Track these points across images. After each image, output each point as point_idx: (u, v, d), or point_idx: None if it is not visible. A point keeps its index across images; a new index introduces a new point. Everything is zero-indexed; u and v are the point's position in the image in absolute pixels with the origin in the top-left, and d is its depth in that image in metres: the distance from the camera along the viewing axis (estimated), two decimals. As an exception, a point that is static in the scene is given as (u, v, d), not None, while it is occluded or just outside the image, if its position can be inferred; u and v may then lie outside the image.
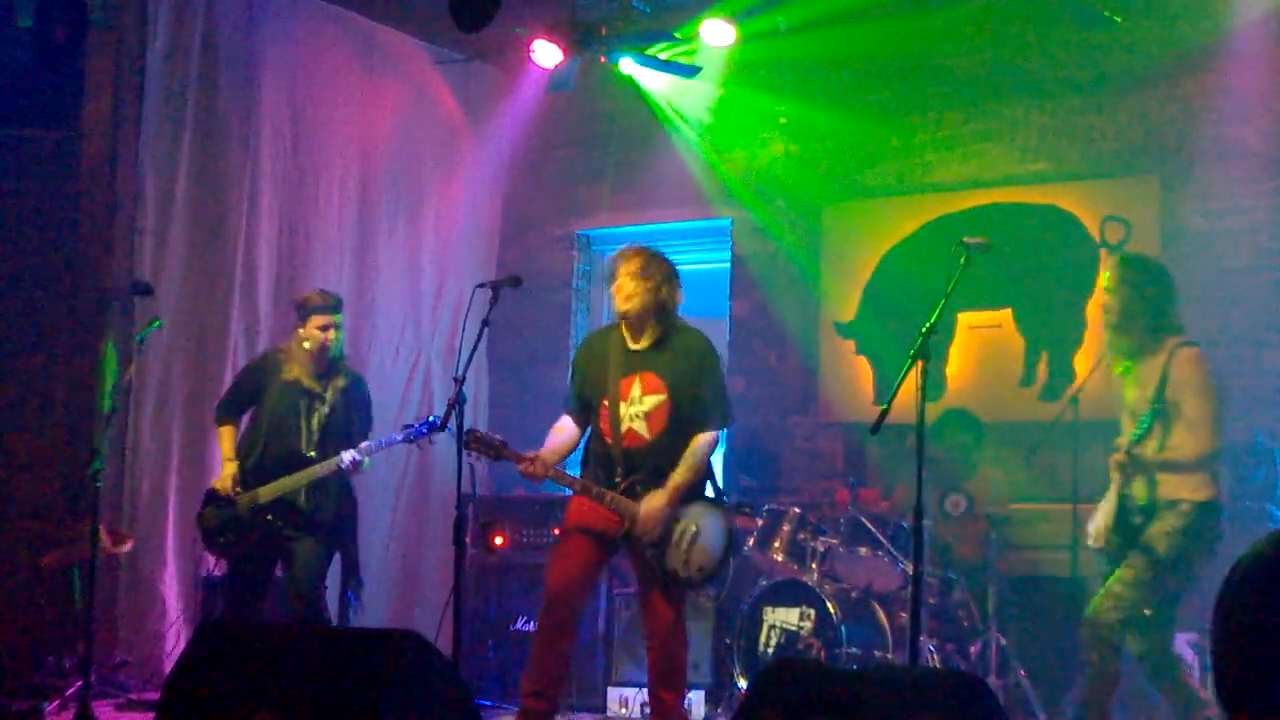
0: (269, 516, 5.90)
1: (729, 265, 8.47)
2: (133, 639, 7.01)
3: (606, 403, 5.30)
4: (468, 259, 8.62)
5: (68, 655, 6.46)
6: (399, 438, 6.00)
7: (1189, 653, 5.77)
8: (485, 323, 5.23)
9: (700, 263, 8.54)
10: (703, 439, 5.27)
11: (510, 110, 8.50)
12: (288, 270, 7.57)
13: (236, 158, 7.38)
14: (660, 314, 5.31)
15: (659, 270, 5.31)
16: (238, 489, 5.94)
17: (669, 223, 8.58)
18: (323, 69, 7.85)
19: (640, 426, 5.26)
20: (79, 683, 5.82)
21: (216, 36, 7.33)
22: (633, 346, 5.34)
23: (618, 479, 5.24)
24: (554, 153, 8.73)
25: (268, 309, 7.45)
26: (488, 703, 6.59)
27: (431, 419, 5.99)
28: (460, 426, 5.04)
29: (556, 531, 6.10)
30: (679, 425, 5.25)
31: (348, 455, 5.89)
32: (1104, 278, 5.45)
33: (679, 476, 5.21)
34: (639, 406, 5.27)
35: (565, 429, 5.44)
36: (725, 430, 5.59)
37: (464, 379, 5.05)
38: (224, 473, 6.01)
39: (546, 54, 7.74)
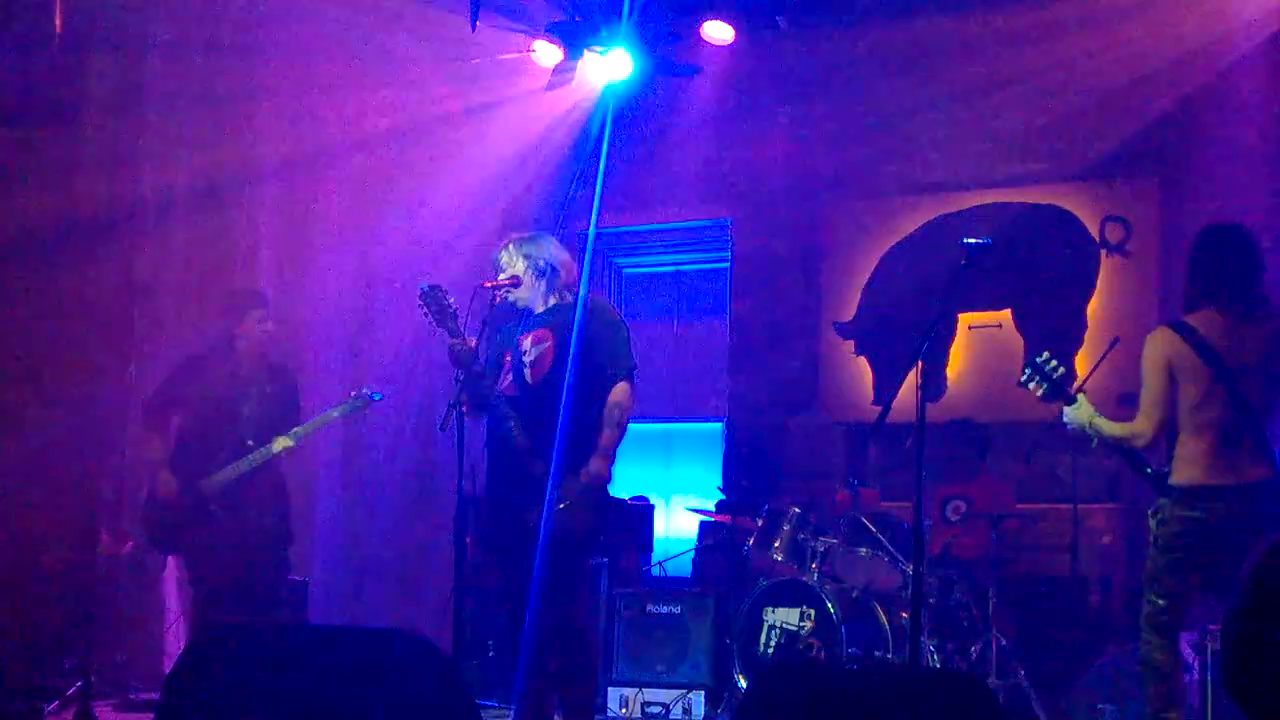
0: (211, 507, 5.93)
1: (729, 265, 8.46)
2: (133, 639, 7.01)
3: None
4: (468, 259, 8.61)
5: (68, 655, 6.46)
6: (335, 414, 6.09)
7: (1188, 653, 5.75)
8: (485, 323, 5.23)
9: (700, 263, 8.54)
10: None
11: (510, 109, 8.49)
12: (288, 270, 7.57)
13: (237, 157, 7.38)
14: None
15: None
16: (180, 489, 5.96)
17: (669, 223, 8.57)
18: (323, 69, 7.84)
19: None
20: (79, 683, 5.82)
21: (217, 35, 7.33)
22: None
23: None
24: (553, 152, 8.71)
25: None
26: (488, 703, 6.59)
27: (370, 394, 6.12)
28: (461, 426, 5.04)
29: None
30: None
31: (278, 443, 5.96)
32: None
33: None
34: None
35: None
36: None
37: (465, 379, 5.04)
38: (165, 477, 5.98)
39: (546, 54, 7.74)
